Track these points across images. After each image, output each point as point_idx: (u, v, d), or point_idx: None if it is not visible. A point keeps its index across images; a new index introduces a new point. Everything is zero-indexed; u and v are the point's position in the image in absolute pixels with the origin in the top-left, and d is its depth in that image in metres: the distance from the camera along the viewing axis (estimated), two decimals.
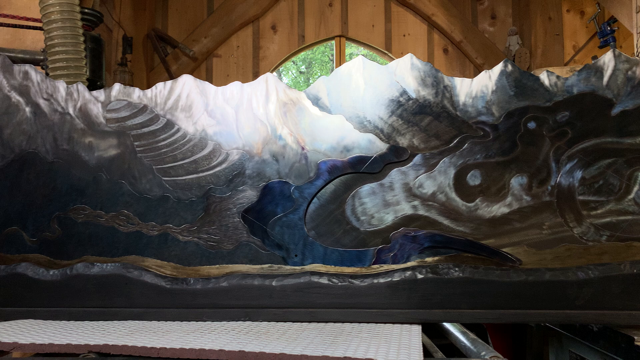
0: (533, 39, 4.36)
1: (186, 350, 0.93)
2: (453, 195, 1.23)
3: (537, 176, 1.21)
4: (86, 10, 2.43)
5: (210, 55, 4.47)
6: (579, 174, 1.20)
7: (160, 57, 4.17)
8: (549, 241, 1.19)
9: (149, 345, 0.95)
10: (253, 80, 1.29)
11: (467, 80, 1.24)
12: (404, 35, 4.53)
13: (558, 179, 1.20)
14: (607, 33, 3.41)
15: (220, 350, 0.92)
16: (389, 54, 4.52)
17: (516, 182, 1.21)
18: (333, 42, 4.57)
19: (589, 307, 1.14)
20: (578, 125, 1.20)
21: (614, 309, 1.13)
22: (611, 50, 1.21)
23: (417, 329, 1.12)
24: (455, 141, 1.23)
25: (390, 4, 4.54)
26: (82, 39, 2.17)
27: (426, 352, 1.05)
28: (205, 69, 4.48)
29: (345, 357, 0.88)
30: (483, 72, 1.24)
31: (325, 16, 4.53)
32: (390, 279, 1.19)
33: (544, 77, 1.22)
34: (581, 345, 1.30)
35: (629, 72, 1.19)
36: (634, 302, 1.13)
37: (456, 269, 1.18)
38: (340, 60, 4.56)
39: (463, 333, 1.18)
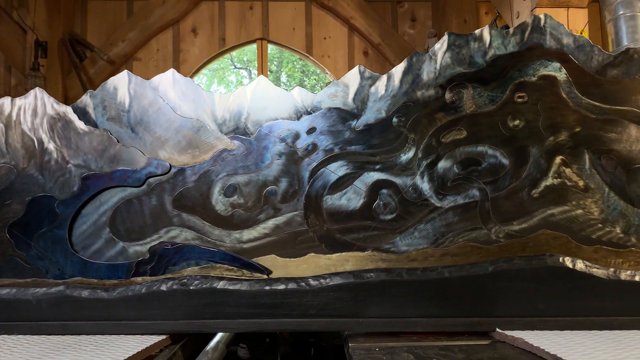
0: None
1: None
2: (211, 206, 1.26)
3: (289, 189, 1.24)
4: None
5: (130, 59, 4.46)
6: (327, 186, 1.24)
7: (72, 62, 4.14)
8: (299, 251, 1.23)
9: None
10: None
11: (225, 95, 1.27)
12: (325, 38, 4.57)
13: (307, 189, 1.24)
14: None
15: None
16: (311, 57, 4.55)
17: (270, 194, 1.25)
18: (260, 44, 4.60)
19: (321, 315, 1.18)
20: (325, 139, 1.24)
21: (343, 316, 1.17)
22: (356, 66, 1.25)
23: (156, 340, 1.14)
24: (213, 155, 1.26)
25: (311, 7, 4.58)
26: None
27: None
28: None
29: None
30: (240, 88, 1.27)
31: (246, 19, 4.54)
32: (140, 291, 1.22)
33: (295, 93, 1.25)
34: None
35: (372, 88, 1.24)
36: (360, 309, 1.17)
37: (203, 279, 1.21)
38: (262, 63, 4.58)
39: (214, 344, 1.22)
